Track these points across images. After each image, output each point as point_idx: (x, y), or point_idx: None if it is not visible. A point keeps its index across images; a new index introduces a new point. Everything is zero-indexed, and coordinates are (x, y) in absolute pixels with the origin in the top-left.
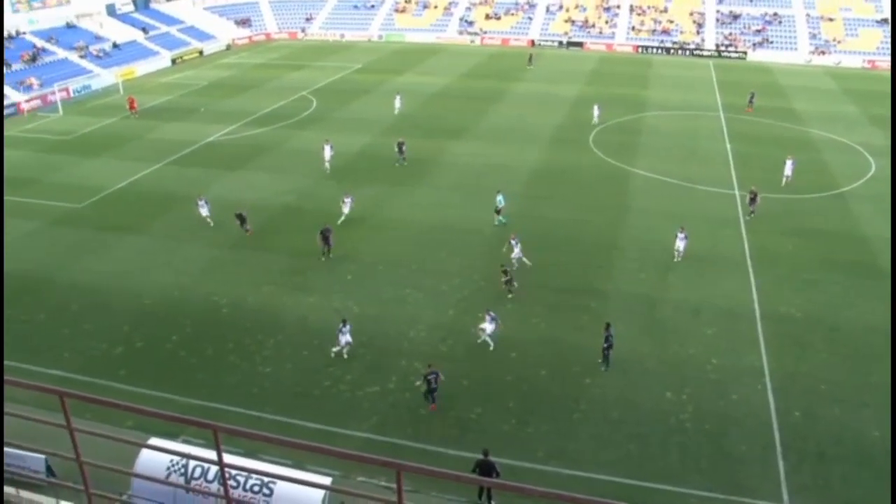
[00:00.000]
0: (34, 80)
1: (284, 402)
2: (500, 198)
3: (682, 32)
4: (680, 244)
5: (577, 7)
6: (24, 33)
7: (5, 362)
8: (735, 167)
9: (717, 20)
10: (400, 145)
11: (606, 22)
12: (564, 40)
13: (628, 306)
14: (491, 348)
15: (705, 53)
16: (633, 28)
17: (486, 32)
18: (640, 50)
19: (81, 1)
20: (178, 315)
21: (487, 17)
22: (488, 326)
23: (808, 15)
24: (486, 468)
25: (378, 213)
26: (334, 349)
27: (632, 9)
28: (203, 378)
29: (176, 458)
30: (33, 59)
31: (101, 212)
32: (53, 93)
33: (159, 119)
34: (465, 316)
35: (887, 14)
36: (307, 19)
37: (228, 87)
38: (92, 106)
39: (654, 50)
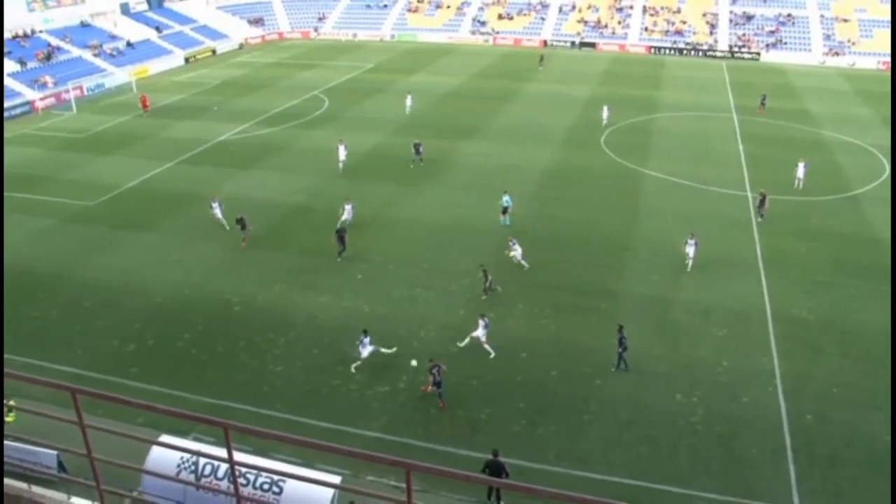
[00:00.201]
0: (49, 79)
1: (294, 401)
2: (506, 198)
3: (695, 33)
4: (690, 250)
5: (589, 7)
6: (41, 32)
7: (19, 359)
8: (747, 169)
9: (731, 21)
10: (417, 146)
11: (619, 22)
12: (577, 41)
13: (639, 308)
14: (492, 356)
15: (718, 54)
16: (646, 29)
17: (498, 32)
18: (652, 51)
19: (96, 0)
20: (190, 313)
21: (500, 17)
22: (482, 333)
23: (822, 16)
24: (495, 468)
25: (389, 212)
26: (355, 364)
27: (645, 9)
28: (214, 376)
29: (186, 456)
30: (48, 57)
31: (114, 210)
32: (67, 91)
33: (172, 118)
34: (475, 316)
35: None
36: (320, 19)
37: (241, 86)
38: (105, 104)
39: (667, 51)
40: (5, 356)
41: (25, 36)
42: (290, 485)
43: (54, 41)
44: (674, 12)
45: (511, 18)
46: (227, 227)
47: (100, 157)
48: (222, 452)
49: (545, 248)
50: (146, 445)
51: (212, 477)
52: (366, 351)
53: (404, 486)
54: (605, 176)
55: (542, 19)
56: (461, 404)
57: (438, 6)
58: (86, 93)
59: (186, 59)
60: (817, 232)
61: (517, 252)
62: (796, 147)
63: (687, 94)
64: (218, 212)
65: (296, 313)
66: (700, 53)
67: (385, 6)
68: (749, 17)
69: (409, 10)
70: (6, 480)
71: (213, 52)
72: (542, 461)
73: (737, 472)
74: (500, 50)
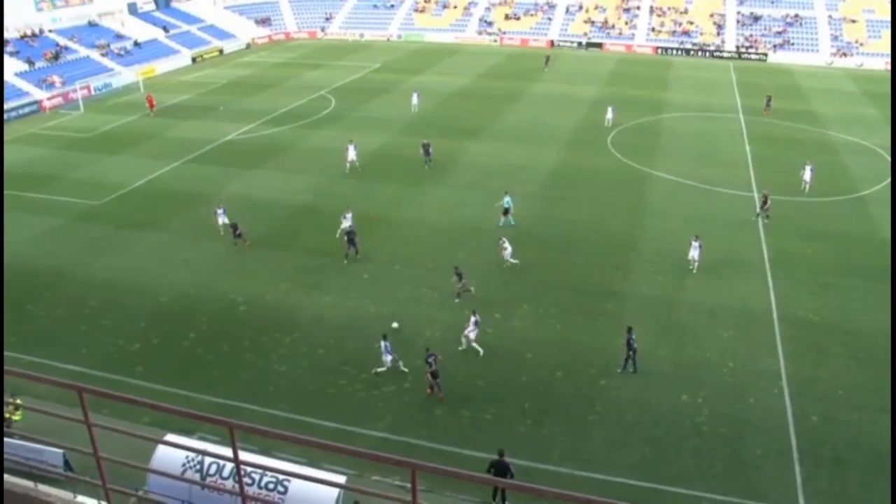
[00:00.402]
0: (56, 78)
1: (300, 401)
2: (507, 199)
3: (702, 34)
4: (694, 252)
5: (596, 8)
6: (49, 31)
7: (26, 357)
8: (754, 169)
9: (738, 21)
10: (426, 147)
11: (626, 23)
12: (584, 41)
13: (645, 308)
14: (480, 354)
15: (725, 55)
16: (653, 29)
17: (505, 33)
18: (659, 51)
19: (103, 0)
20: (195, 312)
21: (507, 17)
22: (472, 330)
23: (830, 16)
24: (500, 468)
25: (395, 212)
26: (380, 370)
27: (652, 10)
28: (219, 375)
29: (192, 455)
30: (56, 57)
31: (120, 209)
32: (75, 90)
33: (179, 117)
34: (481, 316)
35: None
36: (327, 19)
37: (247, 85)
38: (113, 104)
39: (674, 51)
40: (13, 355)
41: (33, 35)
42: (295, 484)
43: (62, 41)
44: (681, 13)
45: (518, 19)
46: (222, 233)
47: (107, 157)
48: (227, 452)
49: (551, 248)
50: (152, 444)
51: (217, 476)
52: (389, 357)
53: (409, 486)
54: (611, 176)
55: (549, 20)
56: (466, 404)
57: (445, 6)
58: (93, 92)
59: (193, 59)
60: (824, 233)
61: (507, 251)
62: (803, 148)
63: (694, 95)
64: (222, 219)
65: (301, 313)
66: (707, 54)
67: (392, 6)
68: (756, 18)
69: (416, 10)
70: (13, 479)
71: (220, 51)
72: (547, 461)
73: (742, 474)
74: (506, 50)
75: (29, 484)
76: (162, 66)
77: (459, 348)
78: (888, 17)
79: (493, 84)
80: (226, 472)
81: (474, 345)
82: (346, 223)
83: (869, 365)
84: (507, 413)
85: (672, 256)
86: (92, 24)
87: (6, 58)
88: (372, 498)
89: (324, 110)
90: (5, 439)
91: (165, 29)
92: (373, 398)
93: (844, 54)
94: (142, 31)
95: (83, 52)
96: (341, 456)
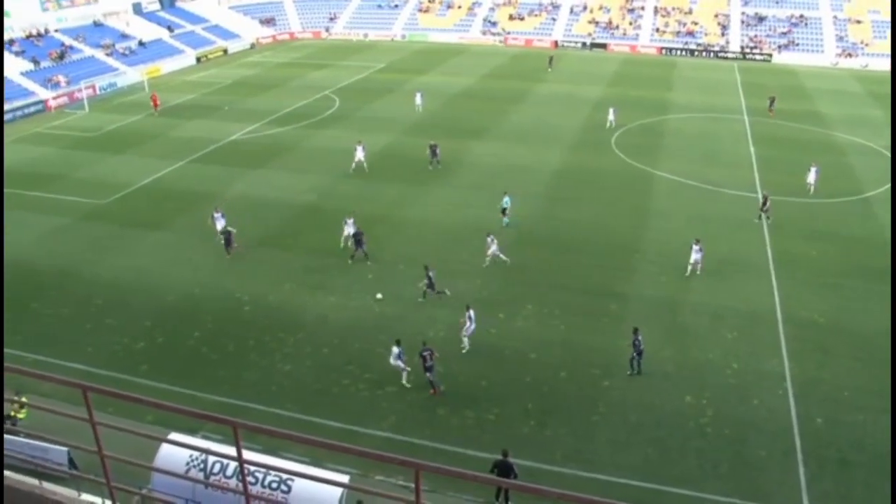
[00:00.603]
0: (61, 78)
1: (303, 400)
2: (506, 199)
3: (706, 34)
4: (695, 256)
5: (600, 8)
6: (54, 31)
7: (31, 355)
8: (758, 170)
9: (743, 22)
10: (433, 148)
11: (630, 23)
12: (588, 41)
13: (649, 309)
14: (464, 350)
15: (730, 56)
16: (658, 30)
17: (509, 33)
18: (663, 52)
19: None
20: (200, 311)
21: (511, 17)
22: (467, 325)
23: (835, 17)
24: (504, 469)
25: (399, 212)
26: (406, 379)
27: (656, 10)
28: (223, 374)
29: (195, 454)
30: (61, 56)
31: (125, 208)
32: (80, 90)
33: (183, 117)
34: (485, 316)
35: None
36: (331, 19)
37: (252, 85)
38: (117, 103)
39: (678, 52)
40: (18, 353)
41: (39, 35)
42: (298, 484)
43: (67, 40)
44: (685, 13)
45: (522, 19)
46: (219, 238)
47: (112, 156)
48: (231, 451)
49: (555, 248)
50: (156, 443)
51: (221, 475)
52: (400, 363)
53: (413, 485)
54: (615, 177)
55: (553, 20)
56: (470, 404)
57: (449, 6)
58: (98, 92)
59: (198, 59)
60: (828, 234)
61: (493, 248)
62: (808, 149)
63: (698, 96)
64: (220, 223)
65: (305, 313)
66: (711, 55)
67: (396, 6)
68: (761, 19)
69: (421, 11)
70: (18, 476)
71: (225, 51)
72: (551, 462)
73: (746, 475)
74: (510, 50)
75: (34, 482)
76: (167, 66)
77: (463, 351)
78: None
79: (498, 84)
80: (229, 471)
81: (464, 338)
82: (348, 229)
83: (874, 366)
84: (510, 413)
85: (676, 257)
86: (97, 24)
87: (12, 57)
88: (375, 498)
89: (328, 110)
90: (11, 437)
91: (170, 29)
92: (376, 398)
93: (850, 55)
94: (147, 31)
95: (88, 51)
96: (345, 455)
